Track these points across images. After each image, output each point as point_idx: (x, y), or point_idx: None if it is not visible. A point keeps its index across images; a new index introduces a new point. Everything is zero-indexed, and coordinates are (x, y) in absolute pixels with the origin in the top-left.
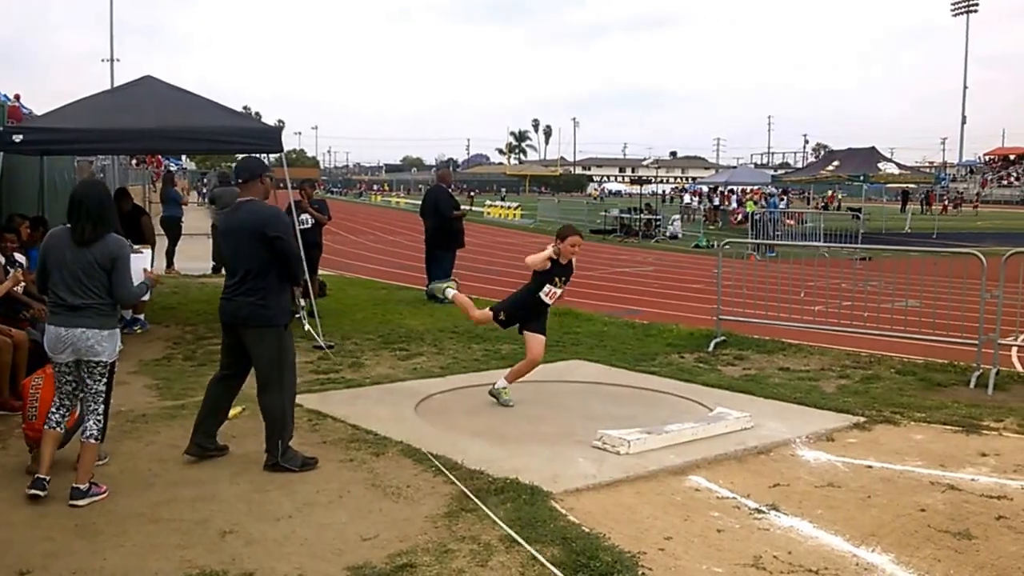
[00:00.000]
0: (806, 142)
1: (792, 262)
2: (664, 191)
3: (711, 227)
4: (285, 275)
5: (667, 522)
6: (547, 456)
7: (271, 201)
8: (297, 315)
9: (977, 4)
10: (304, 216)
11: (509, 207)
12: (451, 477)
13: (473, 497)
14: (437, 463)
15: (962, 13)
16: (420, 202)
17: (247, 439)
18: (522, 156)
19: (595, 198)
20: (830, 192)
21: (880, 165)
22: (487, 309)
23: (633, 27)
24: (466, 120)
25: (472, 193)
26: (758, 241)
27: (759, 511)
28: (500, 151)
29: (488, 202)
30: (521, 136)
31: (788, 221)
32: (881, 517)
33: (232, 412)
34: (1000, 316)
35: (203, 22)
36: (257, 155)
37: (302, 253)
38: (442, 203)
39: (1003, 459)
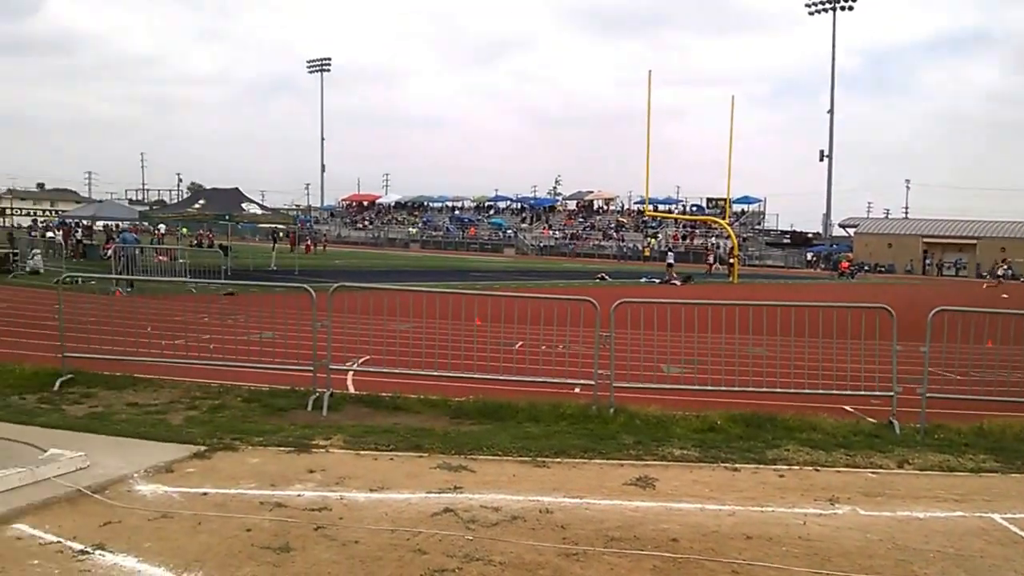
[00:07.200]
0: (180, 180)
1: (160, 297)
2: (30, 224)
3: (76, 262)
4: None
5: None
6: None
7: None
8: None
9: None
10: None
11: None
12: None
13: None
14: None
15: (316, 71)
16: None
17: None
18: None
19: None
20: (200, 230)
21: (244, 205)
22: None
23: None
24: None
25: None
26: (105, 276)
27: (84, 552)
28: None
29: None
30: None
31: (160, 257)
32: (209, 542)
33: None
34: (330, 344)
35: None
36: None
37: None
38: None
39: (328, 473)
